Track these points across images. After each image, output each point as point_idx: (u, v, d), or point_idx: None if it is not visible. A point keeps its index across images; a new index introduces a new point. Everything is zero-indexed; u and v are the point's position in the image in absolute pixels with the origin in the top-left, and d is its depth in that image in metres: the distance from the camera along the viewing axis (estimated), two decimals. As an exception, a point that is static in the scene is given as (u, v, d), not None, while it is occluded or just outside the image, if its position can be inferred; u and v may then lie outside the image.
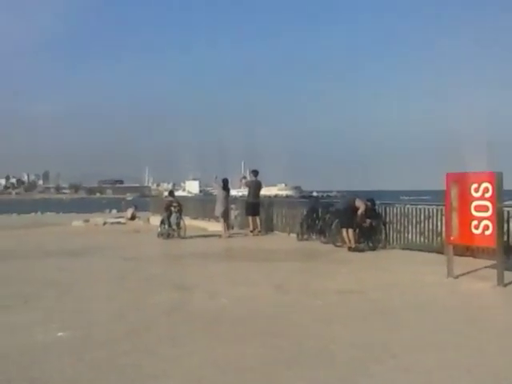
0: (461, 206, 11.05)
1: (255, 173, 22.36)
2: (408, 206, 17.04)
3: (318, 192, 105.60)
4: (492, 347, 6.80)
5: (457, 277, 11.25)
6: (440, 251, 13.74)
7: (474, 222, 10.67)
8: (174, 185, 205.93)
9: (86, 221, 31.29)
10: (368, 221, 16.30)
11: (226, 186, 21.68)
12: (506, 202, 13.09)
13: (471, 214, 10.73)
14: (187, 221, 22.32)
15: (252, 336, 7.22)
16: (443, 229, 13.41)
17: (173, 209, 20.93)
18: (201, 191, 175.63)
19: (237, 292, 10.27)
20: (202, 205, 28.17)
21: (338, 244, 16.77)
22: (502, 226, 11.21)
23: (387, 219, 16.82)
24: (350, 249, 15.96)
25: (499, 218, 10.56)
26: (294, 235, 19.54)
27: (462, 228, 11.03)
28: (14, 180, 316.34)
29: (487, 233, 10.46)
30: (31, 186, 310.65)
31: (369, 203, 16.56)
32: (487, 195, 10.43)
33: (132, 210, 34.36)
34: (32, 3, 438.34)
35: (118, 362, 6.24)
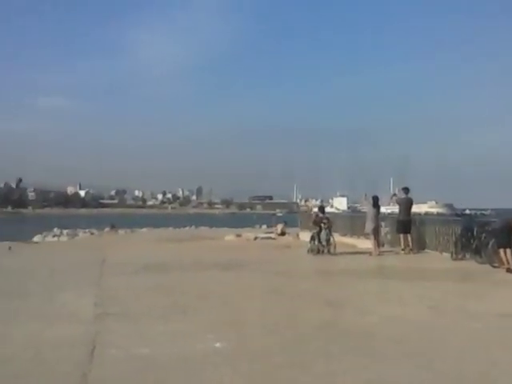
0: None
1: (406, 190, 21.96)
2: None
3: (470, 210, 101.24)
4: None
5: None
6: None
7: None
8: (321, 201, 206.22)
9: (238, 235, 32.21)
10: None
11: (376, 204, 21.46)
12: None
13: None
14: (336, 237, 22.32)
15: (406, 357, 7.08)
16: None
17: (323, 225, 21.04)
18: (349, 208, 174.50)
19: (389, 311, 10.11)
20: (351, 221, 28.08)
21: (495, 265, 15.99)
22: None
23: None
24: (508, 270, 15.17)
25: None
26: (446, 254, 18.90)
27: None
28: (169, 195, 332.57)
29: None
30: (185, 201, 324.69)
31: (528, 223, 15.67)
32: None
33: (282, 225, 34.97)
34: (189, 28, 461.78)
35: (274, 375, 6.38)
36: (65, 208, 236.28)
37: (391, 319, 9.40)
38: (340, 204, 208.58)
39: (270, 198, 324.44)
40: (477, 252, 17.55)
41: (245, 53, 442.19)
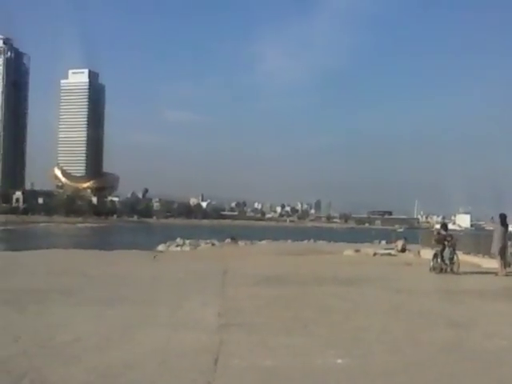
0: None
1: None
2: None
3: None
4: None
5: None
6: None
7: None
8: (443, 218, 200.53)
9: (357, 251, 32.00)
10: None
11: (504, 222, 20.60)
12: None
13: None
14: (460, 256, 21.62)
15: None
16: None
17: (446, 243, 20.46)
18: (472, 225, 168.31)
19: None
20: (475, 240, 27.16)
21: None
22: None
23: None
24: None
25: None
26: None
27: None
28: (288, 208, 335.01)
29: None
30: (304, 215, 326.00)
31: None
32: None
33: (402, 241, 34.31)
34: (305, 43, 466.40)
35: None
36: (187, 218, 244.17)
37: (521, 344, 9.01)
38: (463, 221, 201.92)
39: (390, 213, 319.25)
40: None
41: (360, 66, 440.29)
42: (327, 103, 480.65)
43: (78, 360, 7.34)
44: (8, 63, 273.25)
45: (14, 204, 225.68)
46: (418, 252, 30.17)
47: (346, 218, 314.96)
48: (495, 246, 20.14)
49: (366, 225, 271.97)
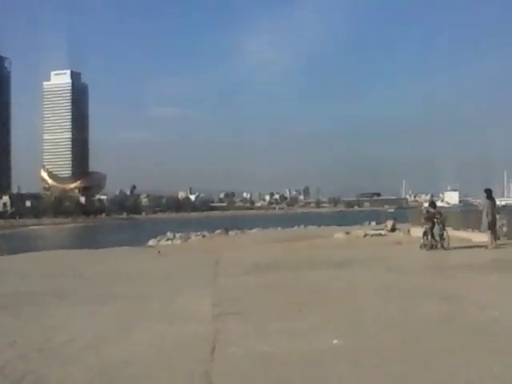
0: None
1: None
2: None
3: None
4: None
5: None
6: None
7: None
8: (432, 196, 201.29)
9: (347, 233, 32.13)
10: None
11: (490, 196, 20.79)
12: None
13: None
14: (449, 232, 21.76)
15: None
16: None
17: (436, 220, 20.60)
18: (460, 202, 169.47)
19: (508, 304, 9.80)
20: (464, 215, 27.38)
21: None
22: None
23: None
24: None
25: None
26: None
27: None
28: (277, 196, 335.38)
29: None
30: (293, 201, 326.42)
31: None
32: None
33: (392, 221, 34.53)
34: (291, 30, 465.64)
35: (394, 369, 6.36)
36: (176, 212, 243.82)
37: (512, 313, 9.12)
38: (451, 198, 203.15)
39: (378, 194, 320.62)
40: None
41: (345, 53, 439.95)
42: (313, 90, 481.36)
43: (76, 360, 7.34)
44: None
45: (1, 209, 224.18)
46: (408, 231, 30.30)
47: (335, 202, 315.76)
48: (484, 222, 20.28)
49: (356, 207, 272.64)
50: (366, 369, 6.45)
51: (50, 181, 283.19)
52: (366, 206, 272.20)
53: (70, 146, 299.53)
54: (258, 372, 6.56)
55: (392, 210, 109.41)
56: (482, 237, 20.99)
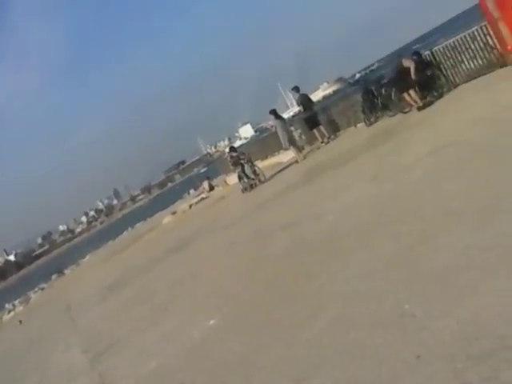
0: (504, 14, 10.53)
1: (296, 89, 22.23)
2: (452, 40, 16.04)
3: (359, 73, 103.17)
4: None
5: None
6: (502, 65, 13.47)
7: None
8: (229, 139, 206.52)
9: (174, 213, 31.77)
10: (424, 74, 15.73)
11: (277, 115, 21.65)
12: None
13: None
14: (259, 164, 22.35)
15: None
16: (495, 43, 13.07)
17: (242, 161, 21.05)
18: (256, 131, 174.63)
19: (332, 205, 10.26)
20: (264, 143, 27.97)
21: (406, 110, 16.25)
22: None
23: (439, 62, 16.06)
24: (419, 108, 15.45)
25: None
26: (361, 124, 19.07)
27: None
28: (92, 213, 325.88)
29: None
30: (109, 210, 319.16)
31: (415, 57, 15.96)
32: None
33: (207, 181, 34.57)
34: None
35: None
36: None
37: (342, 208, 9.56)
38: (246, 132, 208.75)
39: (183, 162, 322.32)
40: (385, 108, 17.82)
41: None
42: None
43: None
44: None
45: None
46: (225, 181, 30.53)
47: (148, 189, 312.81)
48: (284, 140, 21.05)
49: (169, 184, 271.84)
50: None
51: None
52: (178, 179, 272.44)
53: None
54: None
55: (204, 169, 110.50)
56: (289, 154, 21.78)
